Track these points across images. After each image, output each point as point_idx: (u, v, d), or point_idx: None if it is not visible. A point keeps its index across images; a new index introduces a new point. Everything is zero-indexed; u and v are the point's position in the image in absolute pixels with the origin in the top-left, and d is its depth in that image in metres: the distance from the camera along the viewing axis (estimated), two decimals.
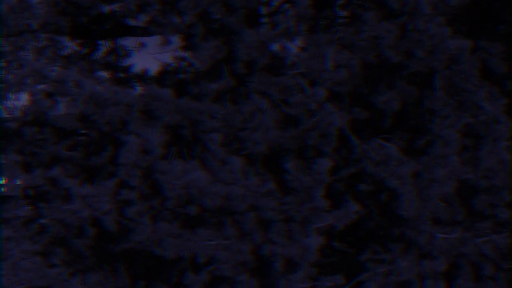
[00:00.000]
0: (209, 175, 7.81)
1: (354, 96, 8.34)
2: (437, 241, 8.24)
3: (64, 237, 8.43)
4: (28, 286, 8.70)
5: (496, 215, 8.39)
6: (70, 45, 9.25)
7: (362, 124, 8.32)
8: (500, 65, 8.64)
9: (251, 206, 7.78)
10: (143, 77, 9.40)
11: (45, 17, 8.51)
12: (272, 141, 7.98)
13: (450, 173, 8.13)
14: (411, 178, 8.00)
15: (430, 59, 7.90)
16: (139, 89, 8.97)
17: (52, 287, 8.55)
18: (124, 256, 8.24)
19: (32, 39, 8.68)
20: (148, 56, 9.89)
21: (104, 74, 9.29)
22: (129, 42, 9.53)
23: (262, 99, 8.05)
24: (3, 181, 10.47)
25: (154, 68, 9.34)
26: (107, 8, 8.88)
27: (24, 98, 8.99)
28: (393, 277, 8.18)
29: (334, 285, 8.27)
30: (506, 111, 8.45)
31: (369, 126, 8.36)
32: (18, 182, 9.32)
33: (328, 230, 8.05)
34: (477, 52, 8.34)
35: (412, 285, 8.50)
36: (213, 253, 7.77)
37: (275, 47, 8.40)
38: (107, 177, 8.33)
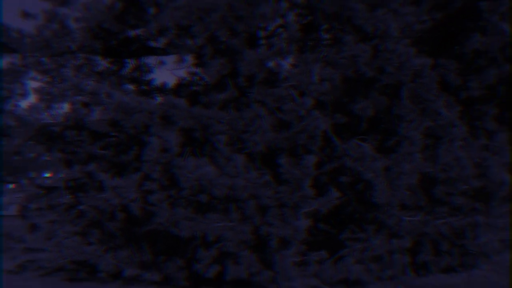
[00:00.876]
0: (216, 169, 7.96)
1: (335, 104, 8.49)
2: (404, 223, 8.35)
3: (98, 220, 8.60)
4: (69, 260, 8.91)
5: (452, 201, 8.60)
6: (102, 63, 9.31)
7: (342, 128, 8.47)
8: (456, 79, 8.83)
9: (251, 195, 7.91)
10: (162, 89, 9.45)
11: (82, 40, 8.61)
12: (268, 141, 8.12)
13: (414, 167, 8.26)
14: (382, 172, 8.14)
15: (398, 74, 8.05)
16: (159, 99, 9.04)
17: (89, 262, 8.71)
18: (148, 235, 8.36)
19: (72, 58, 8.75)
20: (167, 72, 10.00)
21: (130, 87, 9.35)
22: (150, 60, 9.56)
23: (260, 107, 8.20)
24: (48, 175, 10.62)
25: (171, 81, 9.36)
26: (132, 33, 8.99)
27: (65, 107, 9.25)
28: (367, 252, 8.35)
29: (319, 259, 8.42)
30: (460, 117, 8.69)
31: (348, 129, 8.50)
32: (61, 175, 9.34)
33: (314, 214, 8.22)
34: (437, 68, 8.46)
35: (383, 259, 8.66)
36: (220, 233, 7.87)
37: (271, 64, 8.60)
38: (133, 171, 8.48)
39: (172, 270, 8.46)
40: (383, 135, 8.79)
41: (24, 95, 9.42)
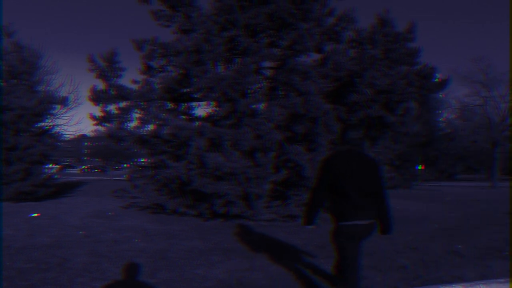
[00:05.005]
0: (224, 158, 7.97)
1: (285, 126, 8.52)
2: None
3: (166, 183, 8.60)
4: (151, 203, 8.97)
5: None
6: (169, 105, 9.26)
7: (288, 138, 8.49)
8: (344, 115, 8.87)
9: (242, 172, 7.94)
10: (198, 118, 9.36)
11: (160, 93, 8.67)
12: (251, 145, 8.15)
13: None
14: (308, 161, 8.23)
15: (315, 112, 8.04)
16: (197, 123, 8.93)
17: (161, 204, 8.74)
18: (190, 191, 8.33)
19: (155, 103, 8.80)
20: (202, 109, 10.02)
21: (183, 116, 9.26)
22: (193, 104, 9.60)
23: (247, 127, 8.23)
24: (143, 160, 10.66)
25: (203, 114, 9.38)
26: (184, 90, 8.97)
27: (151, 126, 9.17)
28: (300, 201, 8.37)
29: (276, 204, 8.45)
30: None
31: (291, 139, 8.50)
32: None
33: (273, 182, 8.33)
34: (334, 110, 8.60)
35: None
36: (226, 191, 7.90)
37: (253, 106, 8.57)
38: (183, 159, 8.45)
39: (202, 209, 8.42)
40: (309, 142, 8.77)
41: (131, 120, 9.38)
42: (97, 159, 73.02)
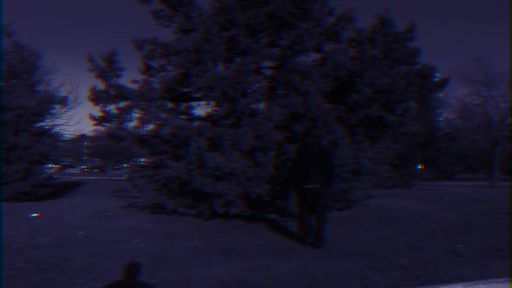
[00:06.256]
0: (224, 158, 7.93)
1: (284, 126, 8.47)
2: None
3: (165, 183, 8.53)
4: (151, 203, 8.95)
5: (341, 175, 8.56)
6: (169, 105, 9.22)
7: (288, 138, 8.43)
8: (344, 115, 8.86)
9: (241, 172, 7.88)
10: (198, 118, 9.32)
11: (159, 93, 8.64)
12: (250, 144, 8.09)
13: None
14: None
15: (315, 112, 7.99)
16: (197, 123, 8.91)
17: (160, 204, 8.73)
18: (189, 191, 8.27)
19: (154, 102, 8.73)
20: (201, 109, 9.91)
21: (182, 116, 9.21)
22: (192, 103, 9.55)
23: (247, 127, 8.18)
24: (142, 160, 10.61)
25: (202, 114, 9.35)
26: (184, 90, 8.90)
27: (151, 126, 9.12)
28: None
29: (276, 204, 8.36)
30: (345, 133, 8.74)
31: (291, 139, 8.45)
32: (148, 160, 9.13)
33: (271, 181, 8.16)
34: (334, 110, 8.53)
35: None
36: (225, 191, 7.84)
37: (253, 106, 8.52)
38: (182, 158, 8.37)
39: (201, 209, 8.41)
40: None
41: (131, 120, 9.35)
42: (96, 159, 72.96)
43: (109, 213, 9.25)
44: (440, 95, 29.59)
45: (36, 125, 13.53)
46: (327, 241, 6.00)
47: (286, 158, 8.45)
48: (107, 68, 9.38)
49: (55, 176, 14.34)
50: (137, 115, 9.16)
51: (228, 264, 4.84)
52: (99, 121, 9.57)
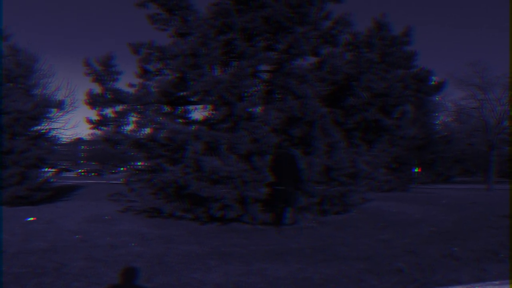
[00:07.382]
0: (221, 162, 7.91)
1: (281, 130, 8.50)
2: (315, 189, 8.39)
3: (162, 187, 8.45)
4: (148, 207, 8.93)
5: (339, 179, 8.57)
6: (166, 108, 9.18)
7: (284, 142, 8.49)
8: (341, 119, 8.93)
9: (238, 175, 7.85)
10: (195, 121, 9.29)
11: (156, 97, 8.60)
12: (247, 148, 8.10)
13: (321, 162, 8.29)
14: (305, 164, 8.19)
15: (312, 116, 8.07)
16: (194, 126, 8.90)
17: (157, 208, 8.70)
18: (186, 195, 8.19)
19: (151, 106, 8.71)
20: (198, 113, 9.88)
21: (179, 120, 9.19)
22: (190, 107, 9.53)
23: (244, 131, 8.19)
24: (140, 163, 10.55)
25: (199, 117, 9.32)
26: (180, 93, 8.91)
27: (147, 130, 9.09)
28: (298, 203, 8.33)
29: (274, 209, 8.37)
30: (342, 137, 8.77)
31: (288, 142, 8.51)
32: (145, 164, 9.15)
33: (270, 184, 8.21)
34: (332, 113, 8.58)
35: (305, 207, 8.60)
36: (222, 194, 7.82)
37: (250, 109, 8.54)
38: (179, 162, 8.34)
39: (198, 213, 8.38)
40: (305, 146, 8.76)
41: (128, 124, 9.31)
42: (93, 163, 72.64)
43: (106, 217, 9.21)
44: (437, 98, 29.70)
45: (32, 129, 13.49)
46: (287, 223, 8.12)
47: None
48: (104, 72, 9.37)
49: (51, 180, 14.28)
50: (134, 119, 9.20)
51: (226, 268, 4.84)
52: (96, 124, 9.56)
